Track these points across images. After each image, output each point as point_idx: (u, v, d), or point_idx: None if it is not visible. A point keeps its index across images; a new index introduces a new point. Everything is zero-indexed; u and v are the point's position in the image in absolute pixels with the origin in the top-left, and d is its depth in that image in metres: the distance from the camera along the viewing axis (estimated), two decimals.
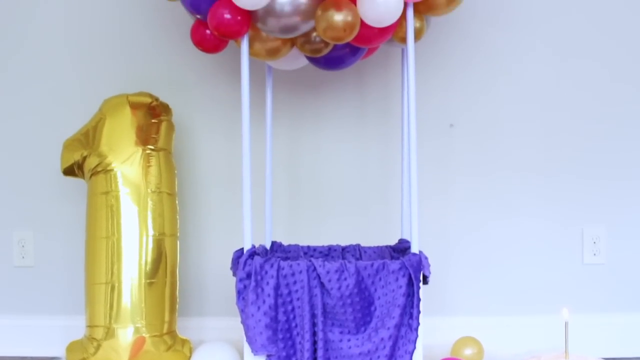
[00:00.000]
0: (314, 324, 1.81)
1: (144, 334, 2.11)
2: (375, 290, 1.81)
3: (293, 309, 1.84)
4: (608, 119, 2.40)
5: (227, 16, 1.72)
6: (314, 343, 1.81)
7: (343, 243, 2.20)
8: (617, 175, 2.40)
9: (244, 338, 1.85)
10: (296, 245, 2.18)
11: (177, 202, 2.23)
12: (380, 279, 1.81)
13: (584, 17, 2.38)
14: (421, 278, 1.83)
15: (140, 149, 2.17)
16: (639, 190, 2.40)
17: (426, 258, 1.87)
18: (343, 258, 2.15)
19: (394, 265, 1.81)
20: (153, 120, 2.22)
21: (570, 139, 2.40)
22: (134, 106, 2.21)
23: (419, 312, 1.81)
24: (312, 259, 1.84)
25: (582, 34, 2.38)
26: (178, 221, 2.23)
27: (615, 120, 2.40)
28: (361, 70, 2.34)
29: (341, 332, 1.82)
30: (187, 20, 1.92)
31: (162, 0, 2.01)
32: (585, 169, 2.40)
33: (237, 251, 1.93)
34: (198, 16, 1.82)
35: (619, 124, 2.40)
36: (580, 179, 2.40)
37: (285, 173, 2.41)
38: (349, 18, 1.67)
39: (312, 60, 1.93)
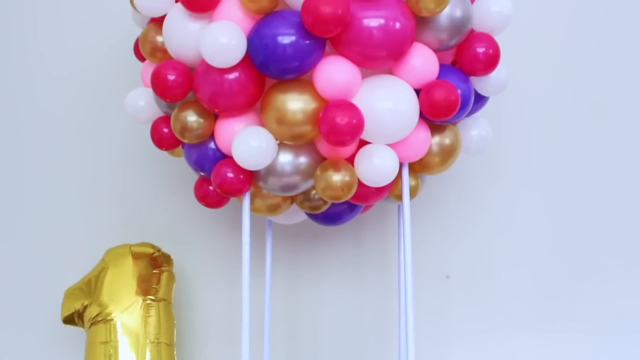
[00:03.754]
0: None
1: None
2: None
3: None
4: (603, 269, 2.43)
5: (230, 175, 1.78)
6: None
7: None
8: (615, 328, 2.41)
9: None
10: None
11: (175, 352, 2.22)
12: None
13: (577, 171, 2.46)
14: None
15: (140, 299, 2.18)
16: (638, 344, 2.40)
17: None
18: None
19: None
20: (154, 271, 2.25)
21: (565, 290, 2.42)
22: (136, 256, 2.25)
23: None
24: None
25: (576, 188, 2.45)
26: None
27: (610, 271, 2.43)
28: (359, 223, 2.38)
29: None
30: (190, 173, 1.98)
31: (166, 154, 2.07)
32: (582, 319, 2.41)
33: None
34: (202, 173, 1.89)
35: (615, 275, 2.43)
36: (577, 332, 2.41)
37: (284, 324, 2.41)
38: (347, 178, 1.73)
39: (311, 216, 1.98)
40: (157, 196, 2.50)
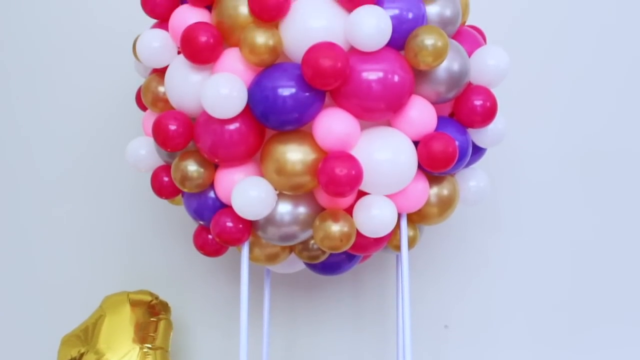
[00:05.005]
0: None
1: None
2: None
3: None
4: (604, 321, 2.43)
5: (229, 224, 1.79)
6: None
7: None
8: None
9: None
10: None
11: None
12: None
13: (576, 222, 2.47)
14: None
15: (137, 347, 2.17)
16: None
17: None
18: None
19: None
20: (152, 319, 2.24)
21: (565, 341, 2.42)
22: (134, 304, 2.24)
23: None
24: None
25: (575, 238, 2.46)
26: None
27: (611, 322, 2.43)
28: (357, 273, 2.39)
29: None
30: (189, 221, 1.98)
31: (166, 202, 2.08)
32: None
33: None
34: (201, 222, 1.89)
35: (616, 325, 2.43)
36: None
37: None
38: (346, 229, 1.73)
39: (310, 265, 1.98)
40: (155, 244, 2.50)
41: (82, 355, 2.19)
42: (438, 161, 1.75)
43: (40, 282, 2.52)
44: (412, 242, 1.93)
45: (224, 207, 1.82)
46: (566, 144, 2.46)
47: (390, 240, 1.89)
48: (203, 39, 1.70)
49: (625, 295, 2.44)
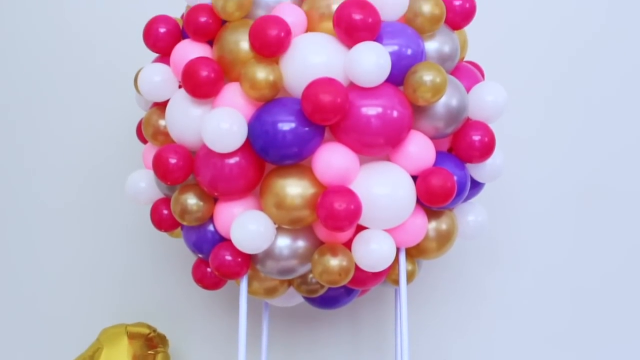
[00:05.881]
0: None
1: None
2: None
3: None
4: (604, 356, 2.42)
5: (228, 258, 1.79)
6: None
7: None
8: None
9: None
10: None
11: None
12: None
13: (574, 258, 2.46)
14: None
15: None
16: None
17: None
18: None
19: None
20: (149, 352, 2.23)
21: None
22: (132, 336, 2.23)
23: None
24: None
25: (573, 274, 2.45)
26: None
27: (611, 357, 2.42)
28: (355, 306, 2.38)
29: None
30: (188, 254, 1.98)
31: (165, 235, 2.08)
32: None
33: None
34: (200, 255, 1.89)
35: None
36: None
37: None
38: (344, 263, 1.73)
39: (308, 299, 1.98)
40: (154, 277, 2.49)
41: None
42: (437, 196, 1.75)
43: (38, 313, 2.51)
44: (410, 277, 1.93)
45: (223, 241, 1.82)
46: (564, 179, 2.47)
47: (388, 275, 1.89)
48: (204, 73, 1.72)
49: (626, 329, 2.43)
